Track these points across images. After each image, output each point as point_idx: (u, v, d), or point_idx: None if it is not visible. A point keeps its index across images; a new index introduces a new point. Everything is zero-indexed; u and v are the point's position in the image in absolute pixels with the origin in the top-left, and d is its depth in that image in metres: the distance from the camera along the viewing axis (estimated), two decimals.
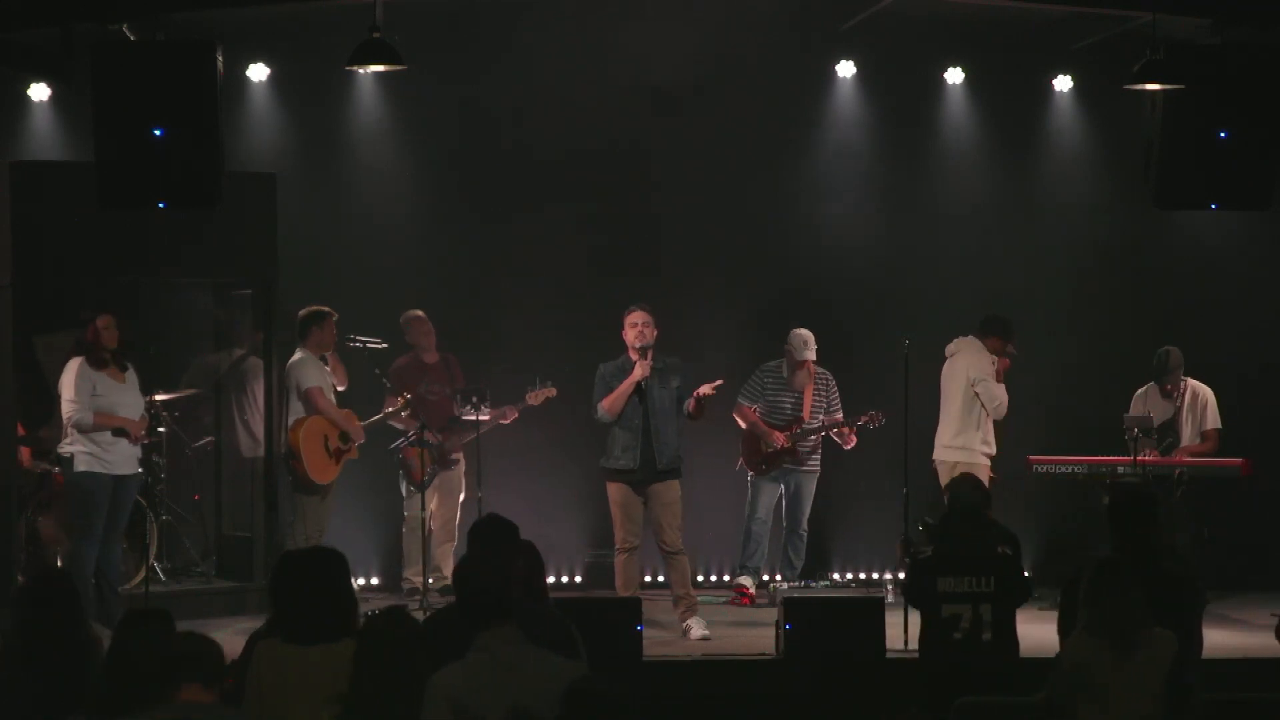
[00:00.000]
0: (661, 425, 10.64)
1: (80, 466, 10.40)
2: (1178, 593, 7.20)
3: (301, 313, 11.38)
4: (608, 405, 10.70)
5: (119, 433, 10.49)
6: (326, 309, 11.41)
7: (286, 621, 5.93)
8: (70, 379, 10.42)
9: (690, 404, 10.66)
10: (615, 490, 10.73)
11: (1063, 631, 7.50)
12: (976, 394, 11.73)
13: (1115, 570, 6.72)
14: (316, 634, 5.87)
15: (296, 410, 11.28)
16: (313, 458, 11.16)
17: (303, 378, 11.25)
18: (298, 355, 11.35)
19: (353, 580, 6.28)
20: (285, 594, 6.00)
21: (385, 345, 11.81)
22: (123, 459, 10.52)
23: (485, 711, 5.32)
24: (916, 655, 8.12)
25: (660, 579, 11.90)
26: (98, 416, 10.40)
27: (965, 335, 11.92)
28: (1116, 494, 8.28)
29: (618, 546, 10.76)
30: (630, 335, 10.72)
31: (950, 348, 11.90)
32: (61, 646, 6.05)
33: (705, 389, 10.66)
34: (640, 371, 10.64)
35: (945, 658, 7.72)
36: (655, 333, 10.75)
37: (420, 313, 12.07)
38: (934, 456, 11.86)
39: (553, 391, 11.84)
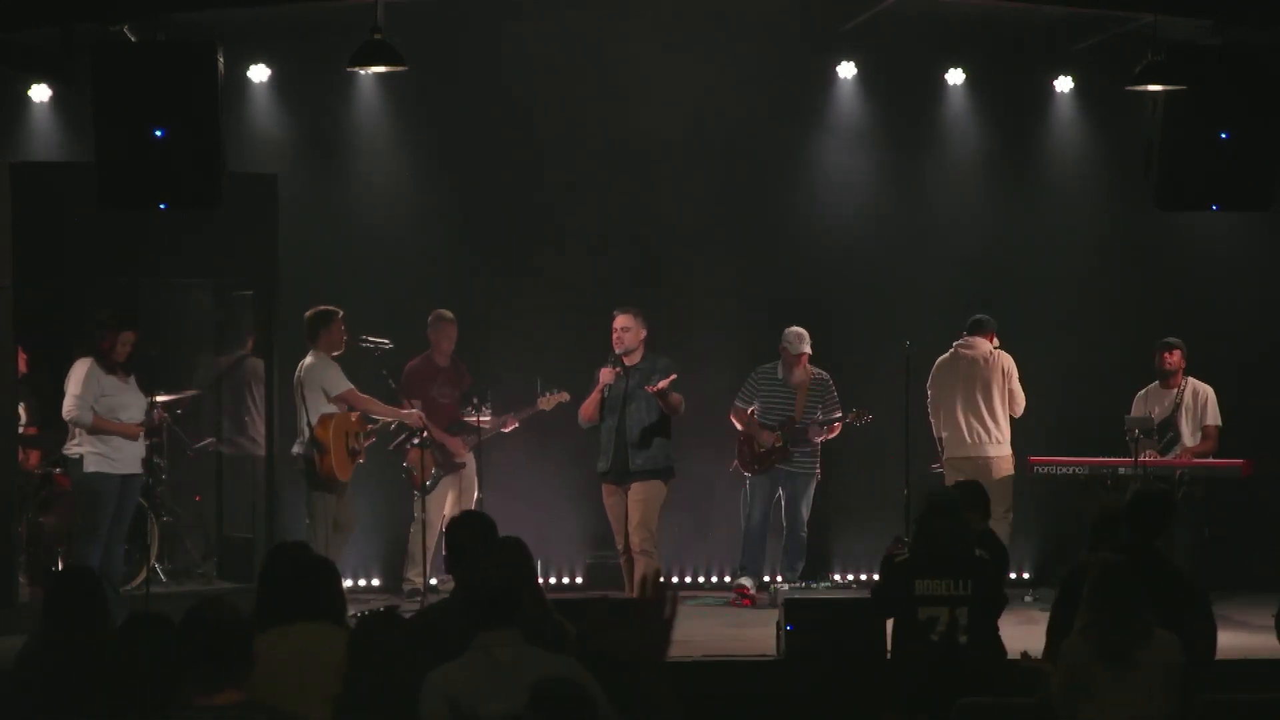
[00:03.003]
0: (633, 426, 10.67)
1: (90, 467, 10.42)
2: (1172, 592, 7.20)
3: (309, 314, 11.23)
4: (581, 412, 10.85)
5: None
6: (333, 308, 11.30)
7: (271, 606, 5.96)
8: (79, 377, 10.44)
9: (659, 401, 10.69)
10: (603, 493, 10.89)
11: (1051, 634, 7.49)
12: (1012, 392, 11.76)
13: (1118, 573, 6.68)
14: (301, 611, 5.89)
15: (319, 409, 11.03)
16: (339, 454, 11.07)
17: (331, 383, 11.07)
18: (311, 359, 11.14)
19: (342, 584, 6.26)
20: (271, 579, 6.05)
21: (392, 345, 11.74)
22: (130, 458, 10.58)
23: (482, 711, 5.30)
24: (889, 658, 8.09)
25: (675, 579, 11.90)
26: (97, 419, 10.41)
27: (969, 336, 11.86)
28: (1134, 497, 7.94)
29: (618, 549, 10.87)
30: (613, 339, 10.77)
31: (977, 346, 11.77)
32: (84, 645, 6.05)
33: (662, 384, 10.62)
34: (603, 379, 10.69)
35: (921, 660, 7.65)
36: (640, 334, 10.74)
37: (450, 315, 11.97)
38: (994, 453, 11.73)
39: (565, 397, 11.70)
